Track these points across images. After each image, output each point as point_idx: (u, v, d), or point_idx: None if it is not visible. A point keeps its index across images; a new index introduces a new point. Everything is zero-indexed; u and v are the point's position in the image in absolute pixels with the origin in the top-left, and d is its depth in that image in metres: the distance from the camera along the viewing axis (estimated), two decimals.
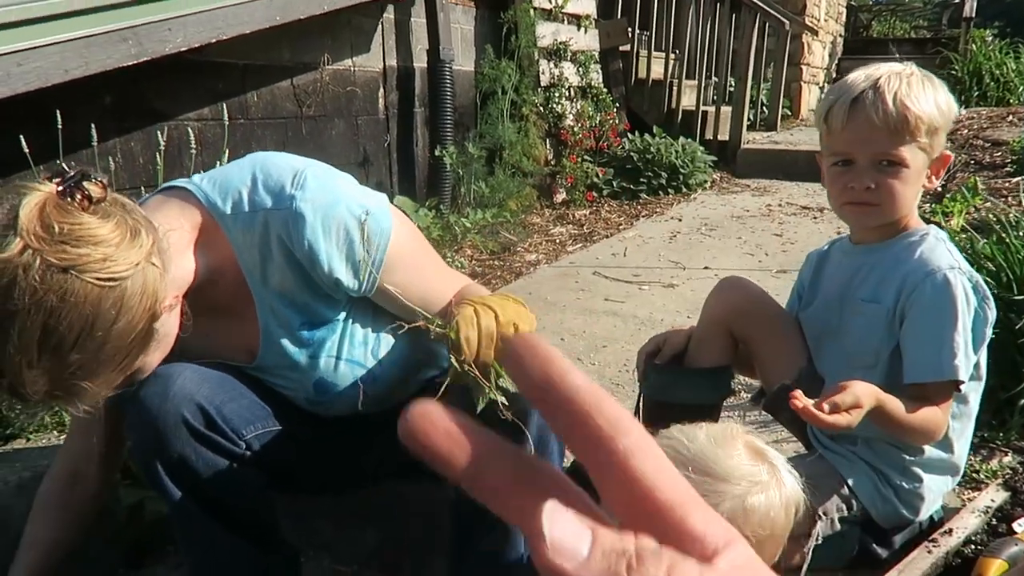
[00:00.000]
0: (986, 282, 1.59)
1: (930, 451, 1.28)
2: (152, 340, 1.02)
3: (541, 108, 4.76)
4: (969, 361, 1.21)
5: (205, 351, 1.19)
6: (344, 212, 1.13)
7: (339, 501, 1.58)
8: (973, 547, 1.27)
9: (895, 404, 1.17)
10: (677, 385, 1.48)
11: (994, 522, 1.34)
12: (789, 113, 7.71)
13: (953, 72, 7.91)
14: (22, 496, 1.47)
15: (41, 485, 1.31)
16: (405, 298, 1.20)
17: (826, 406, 1.09)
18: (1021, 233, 2.07)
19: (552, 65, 4.86)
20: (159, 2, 2.45)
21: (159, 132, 2.25)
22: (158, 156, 2.02)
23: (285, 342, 1.21)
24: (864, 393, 1.12)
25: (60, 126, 1.91)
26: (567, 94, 4.97)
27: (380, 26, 4.03)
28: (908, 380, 1.22)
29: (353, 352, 1.25)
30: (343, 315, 1.23)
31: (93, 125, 2.06)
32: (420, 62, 4.22)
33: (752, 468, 0.90)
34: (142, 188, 2.49)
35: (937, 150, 1.25)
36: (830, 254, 1.43)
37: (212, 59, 2.96)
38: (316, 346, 1.22)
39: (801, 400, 1.10)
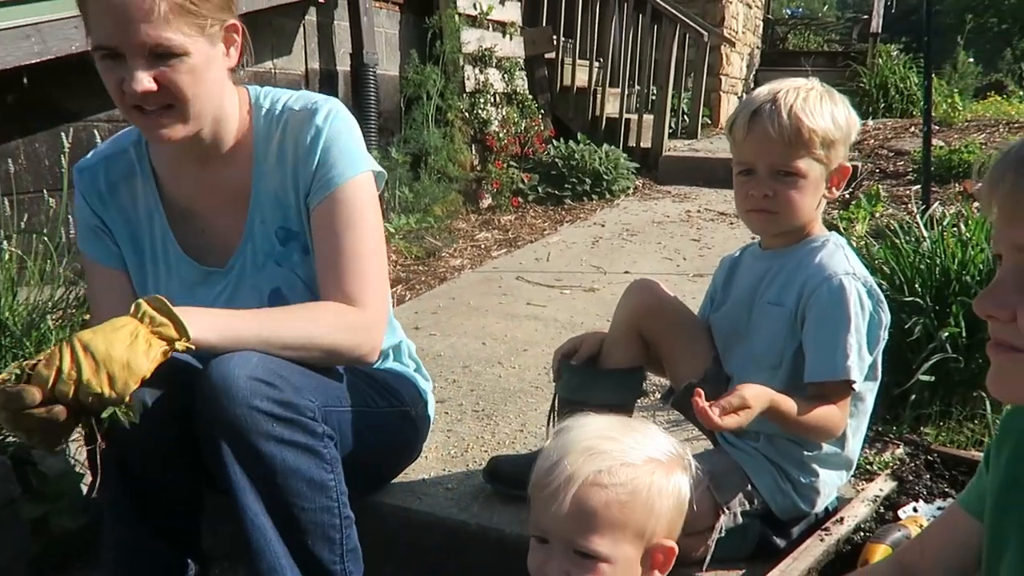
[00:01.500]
0: (880, 285, 1.68)
1: (826, 447, 1.35)
2: (206, 26, 1.17)
3: (467, 114, 4.79)
4: (863, 362, 1.28)
5: (201, 240, 1.35)
6: (343, 128, 1.31)
7: None
8: (862, 534, 1.34)
9: (789, 405, 1.24)
10: (590, 385, 1.52)
11: (882, 510, 1.42)
12: (709, 122, 7.94)
13: (861, 85, 8.28)
14: None
15: None
16: (325, 250, 1.29)
17: (716, 408, 1.15)
18: (912, 239, 2.20)
19: (477, 71, 4.90)
20: None
21: (64, 133, 2.17)
22: (62, 159, 1.95)
23: (261, 240, 1.33)
24: (753, 395, 1.19)
25: None
26: (492, 100, 5.01)
27: (302, 28, 3.98)
28: (807, 379, 1.28)
29: (311, 281, 1.33)
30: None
31: None
32: (343, 65, 4.19)
33: (672, 445, 0.98)
34: (45, 191, 2.39)
35: (835, 162, 1.31)
36: (742, 259, 1.49)
37: None
38: (284, 256, 1.33)
39: (701, 400, 1.15)
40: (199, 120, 1.22)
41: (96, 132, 2.56)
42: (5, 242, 1.76)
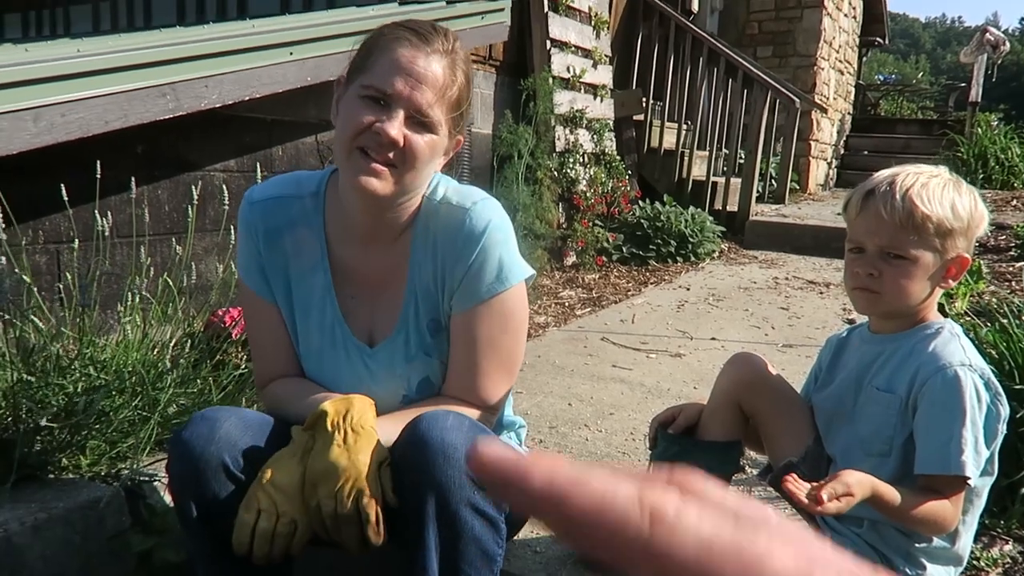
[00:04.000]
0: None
1: (936, 540, 1.30)
2: (458, 124, 1.27)
3: (555, 172, 4.87)
4: (980, 457, 1.24)
5: (356, 310, 1.35)
6: (499, 239, 1.29)
7: (341, 557, 1.59)
8: None
9: (892, 495, 1.20)
10: (686, 456, 1.51)
11: None
12: (797, 187, 7.84)
13: (959, 154, 8.06)
14: (37, 537, 1.49)
15: (274, 389, 1.40)
16: (462, 355, 1.31)
17: (824, 494, 1.13)
18: (1021, 322, 2.11)
19: (568, 131, 5.00)
20: (198, 61, 2.56)
21: (192, 185, 2.33)
22: (190, 209, 2.09)
23: (415, 331, 1.34)
24: (856, 482, 1.17)
25: (100, 175, 1.99)
26: (581, 160, 5.09)
27: None
28: (917, 471, 1.25)
29: None
30: None
31: (133, 178, 2.14)
32: None
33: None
34: (173, 238, 2.56)
35: (952, 252, 1.27)
36: (850, 340, 1.47)
37: (241, 114, 3.07)
38: (434, 347, 1.34)
39: (793, 485, 1.14)
40: (404, 189, 1.25)
41: (219, 183, 2.73)
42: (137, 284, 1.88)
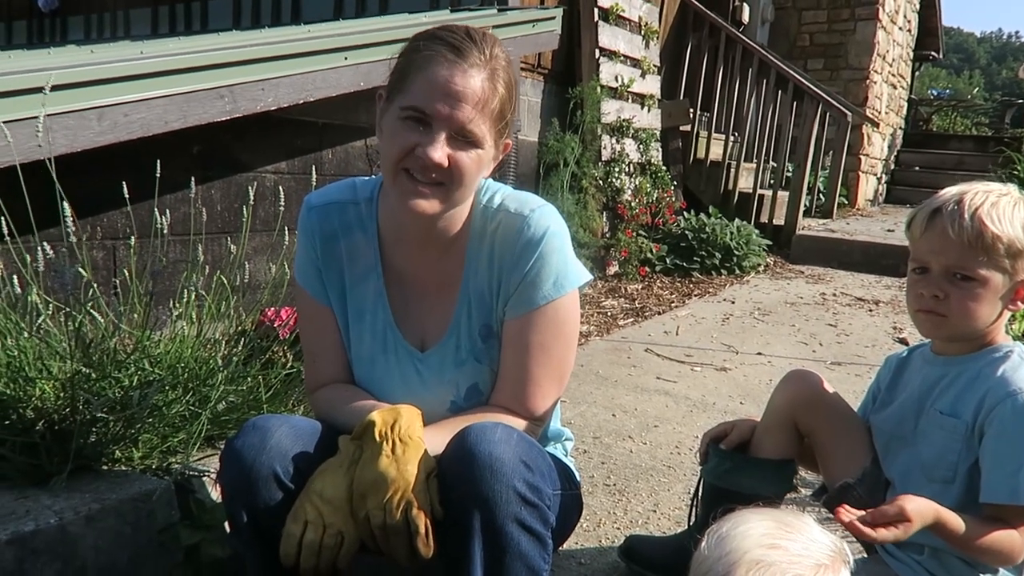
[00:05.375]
0: None
1: (1001, 571, 1.25)
2: (503, 132, 1.25)
3: (600, 182, 4.85)
4: None
5: (409, 315, 1.36)
6: (557, 245, 1.29)
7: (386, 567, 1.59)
8: None
9: (956, 524, 1.16)
10: (738, 473, 1.48)
11: None
12: (846, 202, 7.70)
13: (1015, 172, 7.84)
14: (90, 527, 1.51)
15: (323, 395, 1.40)
16: (513, 362, 1.30)
17: (868, 517, 1.11)
18: None
19: (614, 141, 4.98)
20: (255, 64, 2.60)
21: (248, 186, 2.37)
22: (245, 209, 2.12)
23: (466, 336, 1.33)
24: (915, 509, 1.13)
25: (159, 174, 2.03)
26: (627, 169, 5.06)
27: None
28: (983, 500, 1.21)
29: None
30: None
31: (192, 178, 2.18)
32: None
33: (831, 540, 0.94)
34: (225, 238, 2.60)
35: (1022, 273, 1.23)
36: (911, 360, 1.43)
37: (294, 117, 3.11)
38: (484, 352, 1.34)
39: (847, 514, 1.10)
40: (452, 205, 1.24)
41: (276, 184, 2.78)
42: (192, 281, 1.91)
